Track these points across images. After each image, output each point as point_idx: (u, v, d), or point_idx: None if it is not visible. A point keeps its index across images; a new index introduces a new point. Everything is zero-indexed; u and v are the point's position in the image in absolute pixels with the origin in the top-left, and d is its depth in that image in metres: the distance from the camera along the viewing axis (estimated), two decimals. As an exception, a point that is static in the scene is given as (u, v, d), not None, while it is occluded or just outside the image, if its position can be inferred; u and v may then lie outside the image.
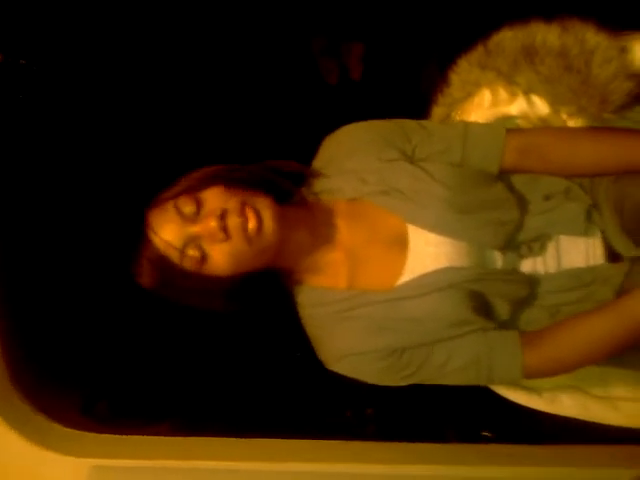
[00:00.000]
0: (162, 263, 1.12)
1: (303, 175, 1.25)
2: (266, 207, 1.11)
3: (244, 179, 1.17)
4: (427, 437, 1.52)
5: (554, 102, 1.23)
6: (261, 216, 1.10)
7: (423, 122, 1.26)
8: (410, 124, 1.24)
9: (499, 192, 1.20)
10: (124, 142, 1.76)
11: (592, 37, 1.22)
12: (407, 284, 1.17)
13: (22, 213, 1.55)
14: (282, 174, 1.24)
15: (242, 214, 1.09)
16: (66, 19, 1.71)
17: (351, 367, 1.19)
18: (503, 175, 1.22)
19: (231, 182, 1.14)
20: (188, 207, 1.11)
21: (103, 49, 1.76)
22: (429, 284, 1.15)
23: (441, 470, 1.45)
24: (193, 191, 1.13)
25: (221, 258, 1.11)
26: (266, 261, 1.15)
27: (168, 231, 1.11)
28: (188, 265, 1.11)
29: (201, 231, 1.10)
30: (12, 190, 1.53)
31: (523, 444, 1.50)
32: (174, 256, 1.11)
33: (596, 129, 1.23)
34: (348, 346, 1.18)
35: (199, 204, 1.11)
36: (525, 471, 1.44)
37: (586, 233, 1.22)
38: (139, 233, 1.14)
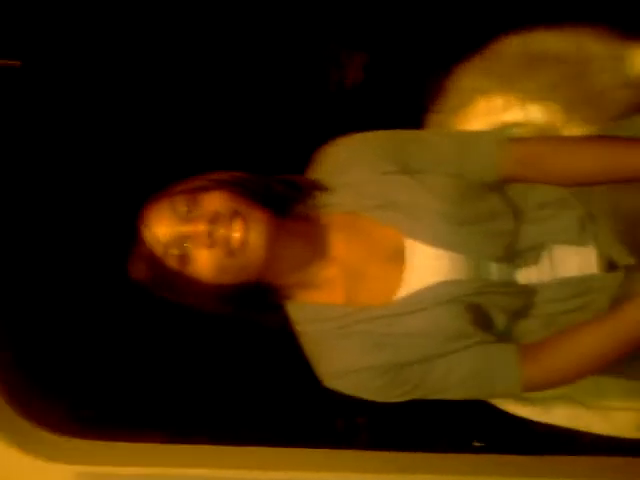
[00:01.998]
0: (151, 257, 1.11)
1: (307, 189, 1.23)
2: (259, 221, 1.09)
3: (246, 188, 1.15)
4: (419, 446, 1.51)
5: (552, 110, 1.23)
6: (249, 230, 1.08)
7: (419, 132, 1.26)
8: (406, 135, 1.23)
9: (496, 203, 1.19)
10: (132, 144, 1.75)
11: (591, 46, 1.22)
12: (405, 299, 1.16)
13: (15, 219, 1.54)
14: (286, 187, 1.22)
15: (230, 224, 1.08)
16: (71, 22, 1.70)
17: (350, 385, 1.17)
18: (498, 184, 1.22)
19: (231, 189, 1.13)
20: (182, 206, 1.10)
21: (114, 53, 1.75)
22: (427, 298, 1.14)
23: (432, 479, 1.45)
24: (191, 192, 1.12)
25: (204, 263, 1.09)
26: (255, 275, 1.13)
27: (158, 226, 1.10)
28: (173, 263, 1.10)
29: (189, 232, 1.08)
30: (9, 192, 1.52)
31: (514, 454, 1.50)
32: (159, 251, 1.10)
33: (595, 138, 1.22)
34: (346, 364, 1.16)
35: (194, 205, 1.10)
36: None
37: (581, 242, 1.21)
38: (134, 232, 1.13)
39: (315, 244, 1.19)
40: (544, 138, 1.26)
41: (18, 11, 1.58)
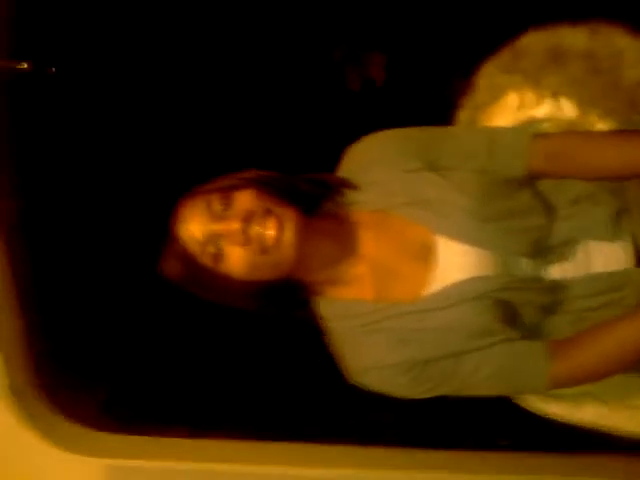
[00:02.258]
0: (185, 255, 1.12)
1: (337, 187, 1.25)
2: (290, 219, 1.11)
3: (277, 187, 1.17)
4: (443, 444, 1.51)
5: (582, 104, 1.23)
6: (283, 227, 1.10)
7: (445, 129, 1.26)
8: (433, 132, 1.24)
9: (525, 199, 1.19)
10: (159, 145, 1.78)
11: (620, 39, 1.21)
12: (433, 295, 1.16)
13: (48, 215, 1.56)
14: (315, 185, 1.24)
15: (264, 222, 1.09)
16: (90, 26, 1.73)
17: (376, 381, 1.17)
18: (529, 181, 1.22)
19: (263, 187, 1.15)
20: (217, 204, 1.12)
21: (133, 58, 1.77)
22: (456, 295, 1.15)
23: (456, 478, 1.44)
24: (226, 190, 1.14)
25: (237, 261, 1.11)
26: (286, 272, 1.14)
27: (193, 224, 1.12)
28: (206, 261, 1.12)
29: (223, 230, 1.10)
30: (41, 191, 1.55)
31: (539, 452, 1.49)
32: (194, 249, 1.12)
33: (624, 132, 1.22)
34: (373, 359, 1.16)
35: (228, 204, 1.12)
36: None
37: (613, 238, 1.21)
38: (167, 230, 1.15)
39: (344, 242, 1.20)
40: (572, 133, 1.24)
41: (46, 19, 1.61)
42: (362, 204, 1.22)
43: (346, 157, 1.26)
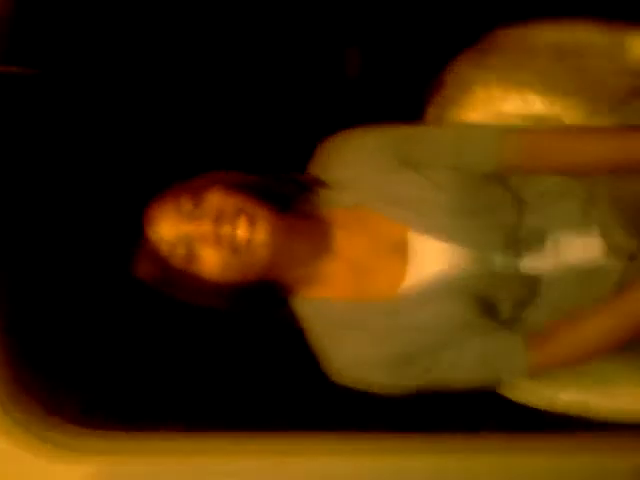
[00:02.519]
0: (157, 256, 1.13)
1: (308, 186, 1.24)
2: (263, 218, 1.11)
3: (248, 186, 1.17)
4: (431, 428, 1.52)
5: (550, 99, 1.22)
6: (255, 227, 1.10)
7: (419, 126, 1.26)
8: (406, 129, 1.24)
9: (497, 194, 1.20)
10: (135, 144, 1.77)
11: (588, 33, 1.21)
12: (410, 292, 1.17)
13: (23, 214, 1.56)
14: (288, 183, 1.23)
15: (235, 222, 1.09)
16: (80, 27, 1.71)
17: (356, 378, 1.19)
18: (499, 176, 1.22)
19: (234, 187, 1.15)
20: (187, 205, 1.12)
21: (122, 57, 1.76)
22: (433, 291, 1.16)
23: (446, 460, 1.46)
24: (196, 191, 1.14)
25: (209, 262, 1.12)
26: (260, 272, 1.15)
27: (163, 225, 1.13)
28: (176, 262, 1.12)
29: (194, 230, 1.11)
30: (16, 191, 1.55)
31: (527, 433, 1.50)
32: (165, 250, 1.12)
33: (598, 128, 1.23)
34: (352, 357, 1.18)
35: (198, 204, 1.12)
36: (526, 461, 1.45)
37: (583, 228, 1.22)
38: (140, 229, 1.15)
39: (319, 240, 1.21)
40: (548, 128, 1.25)
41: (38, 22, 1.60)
42: (337, 202, 1.22)
43: (320, 153, 1.26)
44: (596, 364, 1.27)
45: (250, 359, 1.73)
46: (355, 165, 1.21)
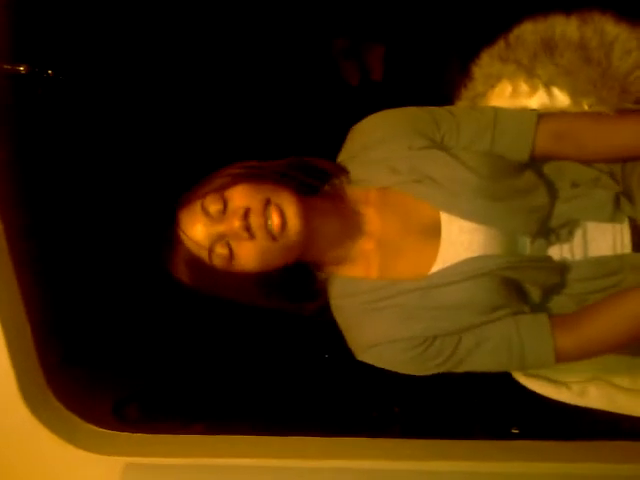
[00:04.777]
0: (195, 261, 1.14)
1: (330, 170, 1.26)
2: (290, 203, 1.13)
3: (269, 175, 1.18)
4: (454, 434, 1.52)
5: (574, 94, 1.22)
6: (284, 213, 1.11)
7: (452, 109, 1.25)
8: (439, 111, 1.23)
9: (529, 179, 1.19)
10: (151, 144, 1.79)
11: (611, 29, 1.21)
12: (439, 272, 1.17)
13: (62, 213, 1.58)
14: (308, 169, 1.25)
15: (264, 213, 1.11)
16: (90, 28, 1.75)
17: (380, 356, 1.19)
18: (531, 162, 1.22)
19: (255, 179, 1.16)
20: (214, 206, 1.13)
21: (131, 57, 1.79)
22: (462, 272, 1.16)
23: (467, 466, 1.45)
24: (219, 190, 1.15)
25: (248, 255, 1.13)
26: (295, 255, 1.16)
27: (196, 231, 1.14)
28: (217, 263, 1.13)
29: (226, 230, 1.12)
30: (51, 192, 1.57)
31: (550, 440, 1.50)
32: (204, 255, 1.13)
33: (631, 113, 1.20)
34: (378, 335, 1.18)
35: (225, 203, 1.13)
36: (552, 467, 1.44)
37: (614, 220, 1.21)
38: (172, 232, 1.16)
39: (349, 220, 1.21)
40: (580, 113, 1.23)
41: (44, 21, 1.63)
42: (368, 182, 1.23)
43: (351, 135, 1.27)
44: (624, 358, 1.27)
45: (276, 361, 1.74)
46: (386, 145, 1.21)
